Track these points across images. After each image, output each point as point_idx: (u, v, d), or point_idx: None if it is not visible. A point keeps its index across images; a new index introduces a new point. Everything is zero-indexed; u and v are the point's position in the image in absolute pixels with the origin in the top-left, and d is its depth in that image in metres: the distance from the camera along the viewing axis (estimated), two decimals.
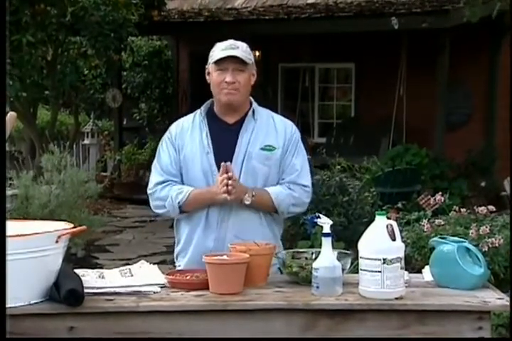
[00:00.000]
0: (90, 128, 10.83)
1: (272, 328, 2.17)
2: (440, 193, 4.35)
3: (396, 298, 2.17)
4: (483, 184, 8.60)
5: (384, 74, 9.44)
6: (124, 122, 11.43)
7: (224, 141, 2.59)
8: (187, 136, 2.61)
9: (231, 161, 2.54)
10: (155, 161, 2.66)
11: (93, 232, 6.29)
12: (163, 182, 2.59)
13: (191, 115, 2.68)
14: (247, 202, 2.50)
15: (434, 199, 4.30)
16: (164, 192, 2.57)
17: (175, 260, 2.70)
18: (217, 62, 2.54)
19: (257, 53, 10.57)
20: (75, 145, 9.88)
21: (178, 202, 2.53)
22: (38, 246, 2.11)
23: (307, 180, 2.64)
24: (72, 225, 2.28)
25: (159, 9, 8.95)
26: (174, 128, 2.66)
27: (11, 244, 2.08)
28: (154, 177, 2.62)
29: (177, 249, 2.68)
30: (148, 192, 2.62)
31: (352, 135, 9.83)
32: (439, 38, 8.21)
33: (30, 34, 6.77)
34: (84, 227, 2.30)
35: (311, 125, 10.67)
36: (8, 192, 4.89)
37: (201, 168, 2.57)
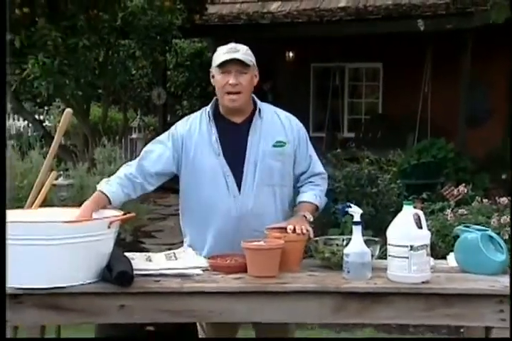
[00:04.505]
0: (137, 123, 10.93)
1: (305, 309, 2.16)
2: (463, 185, 4.29)
3: (422, 282, 2.15)
4: (503, 176, 8.46)
5: (410, 73, 9.32)
6: (168, 118, 11.51)
7: (233, 141, 2.47)
8: (194, 137, 2.47)
9: (243, 161, 2.45)
10: (149, 145, 2.53)
11: (140, 219, 6.34)
12: (130, 167, 2.47)
13: (197, 114, 2.54)
14: (311, 220, 2.46)
15: (458, 190, 4.25)
16: (118, 172, 2.47)
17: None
18: (220, 65, 2.43)
19: (291, 54, 10.53)
20: (123, 139, 9.99)
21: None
22: (92, 231, 2.14)
23: (321, 166, 2.61)
24: (121, 212, 2.30)
25: (201, 13, 8.96)
26: (181, 127, 2.51)
27: (68, 230, 2.11)
28: (138, 159, 2.50)
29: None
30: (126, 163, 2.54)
31: (379, 130, 9.74)
32: (462, 39, 8.08)
33: (85, 38, 6.84)
34: (132, 214, 2.30)
35: (341, 121, 10.61)
36: (65, 181, 4.97)
37: (211, 169, 2.44)
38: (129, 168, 2.49)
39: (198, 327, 2.62)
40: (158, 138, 2.56)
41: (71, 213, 2.30)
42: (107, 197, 2.37)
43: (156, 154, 2.50)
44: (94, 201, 2.34)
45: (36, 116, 10.43)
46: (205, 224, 2.50)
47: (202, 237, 2.51)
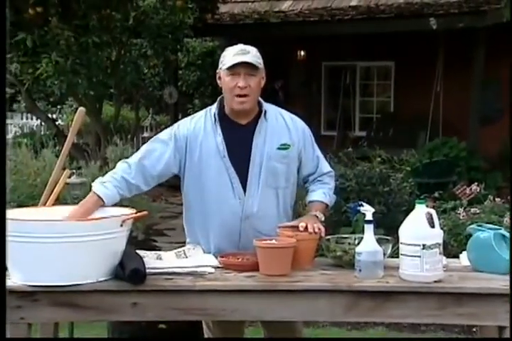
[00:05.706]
0: (149, 122, 10.98)
1: (317, 307, 2.16)
2: (476, 184, 4.27)
3: (434, 281, 2.14)
4: None
5: (422, 71, 9.28)
6: (180, 117, 11.53)
7: (238, 142, 2.44)
8: (199, 138, 2.43)
9: (248, 162, 2.42)
10: (150, 143, 2.47)
11: (152, 217, 6.35)
12: (129, 167, 2.41)
13: (201, 114, 2.50)
14: (323, 219, 2.47)
15: (470, 189, 4.23)
16: (115, 171, 2.41)
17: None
18: (230, 67, 2.40)
19: (302, 53, 10.51)
20: (135, 138, 10.01)
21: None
22: (105, 229, 2.14)
23: (328, 165, 2.62)
24: (134, 211, 2.30)
25: (212, 12, 8.97)
26: (185, 127, 2.47)
27: (81, 227, 2.12)
28: (135, 155, 2.45)
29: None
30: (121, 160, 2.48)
31: (391, 129, 9.71)
32: (474, 38, 8.03)
33: (96, 36, 6.87)
34: (145, 213, 2.30)
35: (353, 119, 10.58)
36: (78, 180, 4.98)
37: (216, 170, 2.41)
38: (127, 168, 2.42)
39: (204, 327, 2.61)
40: (159, 136, 2.51)
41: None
42: (102, 199, 2.35)
43: (158, 154, 2.44)
44: (87, 206, 2.33)
45: (49, 115, 10.48)
46: (209, 226, 2.48)
47: (206, 239, 2.50)
